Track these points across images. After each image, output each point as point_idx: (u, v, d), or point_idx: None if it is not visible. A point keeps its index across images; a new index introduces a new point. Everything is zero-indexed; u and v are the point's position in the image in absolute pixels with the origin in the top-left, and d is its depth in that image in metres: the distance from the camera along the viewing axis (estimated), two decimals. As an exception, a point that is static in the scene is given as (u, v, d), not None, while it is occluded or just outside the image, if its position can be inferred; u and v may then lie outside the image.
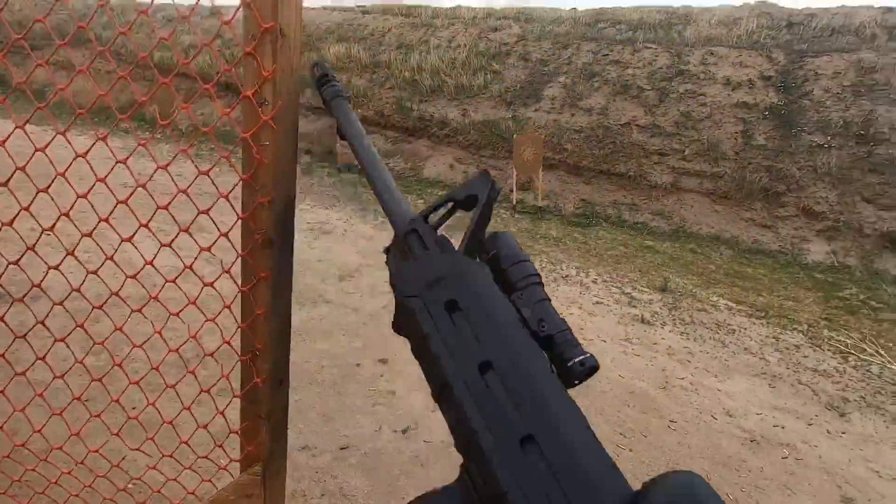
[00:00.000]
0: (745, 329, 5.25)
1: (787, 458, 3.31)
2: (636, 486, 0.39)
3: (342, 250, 6.03)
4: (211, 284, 1.09)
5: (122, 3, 16.64)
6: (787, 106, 9.48)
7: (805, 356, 4.80)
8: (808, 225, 7.98)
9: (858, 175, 8.16)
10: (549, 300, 0.51)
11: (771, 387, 4.20)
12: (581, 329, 4.82)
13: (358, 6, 17.09)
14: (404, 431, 3.10)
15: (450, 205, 0.62)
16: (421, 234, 0.60)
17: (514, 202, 8.78)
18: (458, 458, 0.46)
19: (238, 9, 0.90)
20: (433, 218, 0.62)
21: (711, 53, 10.74)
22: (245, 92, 0.91)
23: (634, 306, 5.53)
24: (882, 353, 5.01)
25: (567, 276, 6.18)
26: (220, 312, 1.15)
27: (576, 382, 0.48)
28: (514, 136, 8.80)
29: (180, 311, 1.17)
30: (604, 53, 11.52)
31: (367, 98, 11.84)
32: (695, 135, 9.34)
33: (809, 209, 8.08)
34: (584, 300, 5.52)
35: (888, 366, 4.78)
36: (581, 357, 0.47)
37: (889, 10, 11.94)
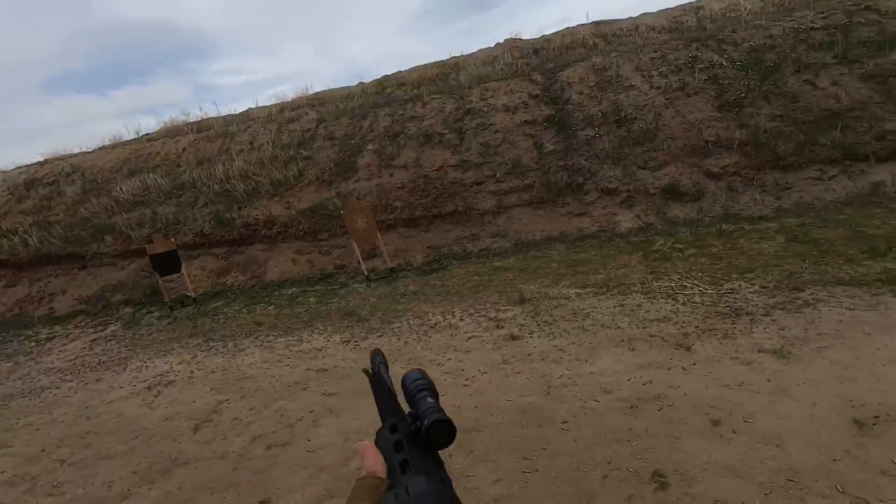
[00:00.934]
0: (596, 307, 5.77)
1: (661, 409, 3.60)
2: None
3: (191, 395, 5.30)
4: None
5: None
6: (558, 113, 11.14)
7: (647, 311, 5.41)
8: (610, 202, 9.28)
9: (627, 150, 9.81)
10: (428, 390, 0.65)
11: (630, 349, 4.62)
12: (462, 371, 4.83)
13: (143, 135, 16.13)
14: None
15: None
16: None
17: (367, 273, 8.73)
18: None
19: None
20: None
21: (487, 89, 12.25)
22: None
23: (502, 327, 5.75)
24: (697, 282, 5.90)
25: (435, 324, 6.22)
26: None
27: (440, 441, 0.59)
28: (341, 212, 8.86)
29: None
30: (399, 114, 12.40)
31: (181, 223, 11.00)
32: (498, 158, 10.41)
33: (606, 189, 9.43)
34: (456, 341, 5.58)
35: (705, 291, 5.63)
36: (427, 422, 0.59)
37: (597, 23, 15.01)
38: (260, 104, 16.61)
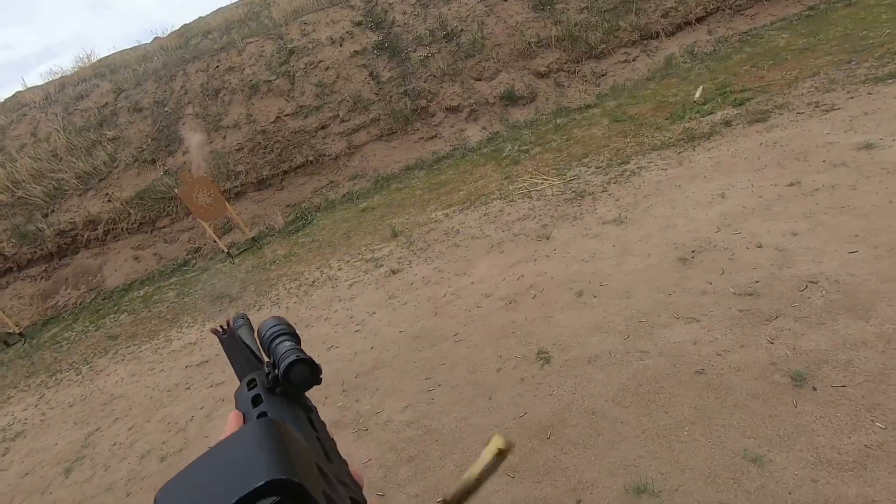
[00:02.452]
0: (464, 223, 6.00)
1: (535, 296, 3.96)
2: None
3: (51, 439, 4.57)
4: None
5: None
6: (386, 38, 10.70)
7: (508, 214, 5.77)
8: (456, 119, 9.44)
9: (461, 65, 9.88)
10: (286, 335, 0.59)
11: (500, 252, 4.93)
12: (351, 318, 4.78)
13: None
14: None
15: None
16: None
17: (226, 249, 8.00)
18: None
19: None
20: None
21: (306, 23, 11.23)
22: None
23: (381, 265, 5.74)
24: (544, 177, 6.38)
25: (314, 281, 6.00)
26: None
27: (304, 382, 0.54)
28: (175, 191, 7.82)
29: None
30: (214, 67, 10.93)
31: (-31, 251, 8.89)
32: (337, 97, 9.85)
33: (450, 107, 9.52)
34: (339, 292, 5.47)
35: (553, 184, 6.12)
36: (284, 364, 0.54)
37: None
38: (31, 84, 13.51)
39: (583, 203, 5.32)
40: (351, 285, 5.52)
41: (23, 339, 7.62)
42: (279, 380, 0.55)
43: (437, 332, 3.98)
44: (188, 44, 12.83)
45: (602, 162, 6.22)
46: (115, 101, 10.83)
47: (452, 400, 3.13)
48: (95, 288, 8.37)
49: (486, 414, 2.90)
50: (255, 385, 0.58)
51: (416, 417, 3.10)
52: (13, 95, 12.94)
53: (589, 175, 5.98)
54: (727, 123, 5.88)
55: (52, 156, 9.81)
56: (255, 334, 0.65)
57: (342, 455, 0.57)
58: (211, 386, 4.46)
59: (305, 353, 0.56)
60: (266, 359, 0.60)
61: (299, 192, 9.13)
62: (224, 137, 9.62)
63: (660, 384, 2.63)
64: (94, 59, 13.78)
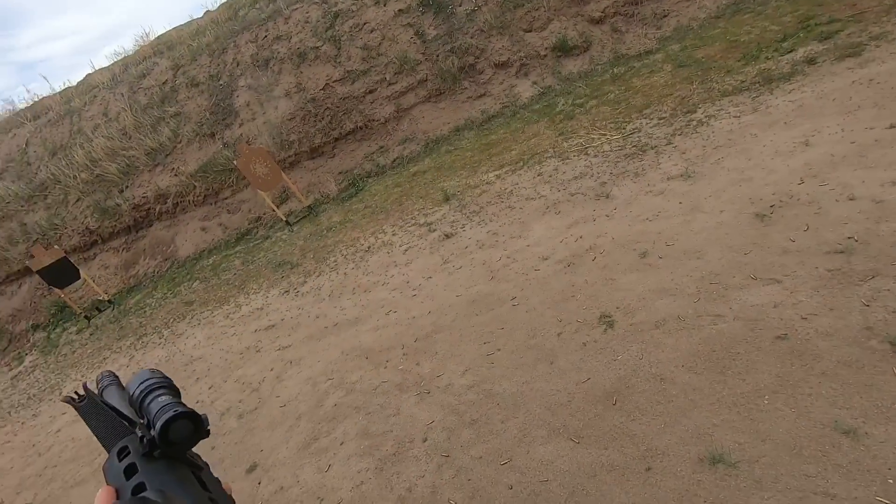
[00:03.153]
0: (517, 184, 5.84)
1: (595, 258, 3.81)
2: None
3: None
4: None
5: None
6: (431, -6, 10.31)
7: (563, 173, 5.54)
8: (506, 75, 9.06)
9: (510, 16, 9.39)
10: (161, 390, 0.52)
11: (556, 213, 4.77)
12: (408, 283, 4.84)
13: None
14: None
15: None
16: None
17: (285, 218, 8.27)
18: None
19: None
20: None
21: (348, -15, 11.02)
22: None
23: (434, 229, 5.73)
24: (603, 132, 6.04)
25: (369, 247, 6.10)
26: None
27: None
28: (234, 163, 8.10)
29: None
30: (263, 37, 11.03)
31: (59, 227, 9.72)
32: (384, 59, 9.69)
33: (499, 62, 9.14)
34: (394, 257, 5.53)
35: (611, 138, 5.79)
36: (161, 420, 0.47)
37: None
38: (99, 67, 14.25)
39: (645, 158, 5.01)
40: (406, 250, 5.56)
41: (111, 305, 8.35)
42: (157, 441, 0.48)
43: (494, 296, 3.95)
44: (237, 15, 12.96)
45: (665, 112, 5.79)
46: (174, 78, 11.22)
47: (513, 364, 3.12)
48: (170, 258, 8.97)
49: (548, 379, 2.87)
50: (128, 453, 0.51)
51: (477, 381, 3.12)
52: (84, 78, 13.72)
53: (651, 127, 5.60)
54: (811, 61, 5.27)
55: (123, 134, 10.39)
56: (128, 397, 0.57)
57: None
58: (279, 349, 4.70)
59: (186, 406, 0.50)
60: (140, 420, 0.53)
61: (350, 158, 9.20)
62: (276, 108, 9.78)
63: (735, 350, 2.48)
64: (151, 38, 14.25)
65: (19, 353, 8.31)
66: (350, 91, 9.56)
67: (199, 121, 10.17)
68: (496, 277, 4.20)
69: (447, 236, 5.41)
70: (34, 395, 6.47)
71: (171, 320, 6.73)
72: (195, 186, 9.41)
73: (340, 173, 9.07)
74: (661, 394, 2.42)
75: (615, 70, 7.99)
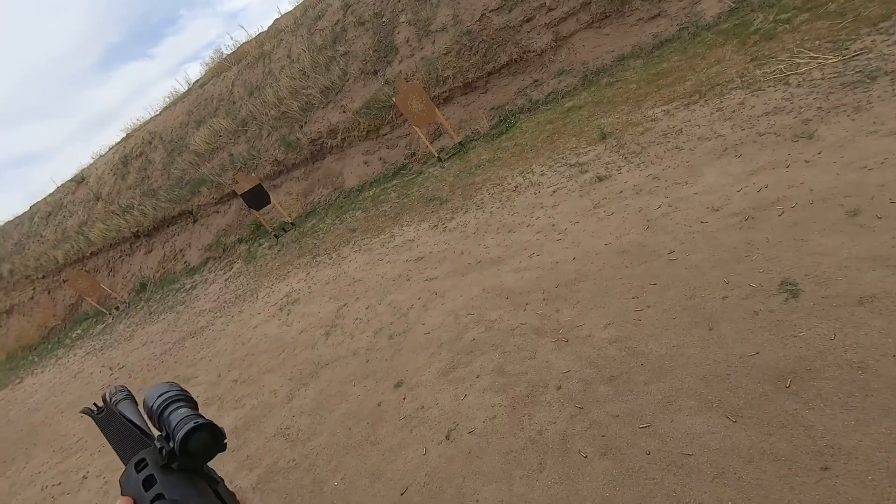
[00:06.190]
0: (689, 121, 5.09)
1: (783, 213, 3.20)
2: None
3: (315, 307, 5.87)
4: None
5: None
6: None
7: (752, 107, 4.64)
8: (689, -12, 7.68)
9: (702, -88, 7.78)
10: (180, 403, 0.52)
11: (736, 156, 4.06)
12: (553, 226, 4.69)
13: (193, 83, 16.39)
14: None
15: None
16: None
17: (437, 154, 8.52)
18: None
19: None
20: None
21: None
22: None
23: (586, 171, 5.37)
24: (814, 55, 4.84)
25: (516, 187, 6.00)
26: None
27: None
28: (393, 99, 8.46)
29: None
30: (422, -32, 10.98)
31: (255, 157, 11.45)
32: (544, -18, 8.94)
33: (682, -27, 7.76)
34: (542, 198, 5.36)
35: (825, 63, 4.62)
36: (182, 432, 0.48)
37: None
38: (283, 12, 15.76)
39: (872, 87, 3.92)
40: (554, 192, 5.35)
41: (293, 226, 9.74)
42: (176, 453, 0.48)
43: (649, 247, 3.61)
44: (399, -53, 13.03)
45: (917, 24, 4.38)
46: (344, 18, 11.91)
47: (663, 324, 2.87)
48: (338, 188, 10.01)
49: (704, 345, 2.58)
50: (146, 465, 0.51)
51: (620, 337, 2.96)
52: (273, 23, 15.37)
53: (889, 47, 4.31)
54: None
55: (302, 74, 11.53)
56: (141, 406, 0.58)
57: None
58: (426, 280, 5.01)
59: (205, 418, 0.49)
60: (157, 432, 0.53)
61: (503, 93, 8.95)
62: (433, 42, 9.83)
63: (981, 346, 1.90)
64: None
65: (229, 261, 10.29)
66: (506, 21, 9.11)
67: (364, 59, 10.76)
68: (652, 227, 3.81)
69: (600, 179, 5.03)
70: (240, 296, 8.02)
71: (338, 244, 7.61)
72: (360, 122, 10.15)
73: (492, 109, 8.91)
74: (858, 385, 2.00)
75: (845, -30, 6.20)
